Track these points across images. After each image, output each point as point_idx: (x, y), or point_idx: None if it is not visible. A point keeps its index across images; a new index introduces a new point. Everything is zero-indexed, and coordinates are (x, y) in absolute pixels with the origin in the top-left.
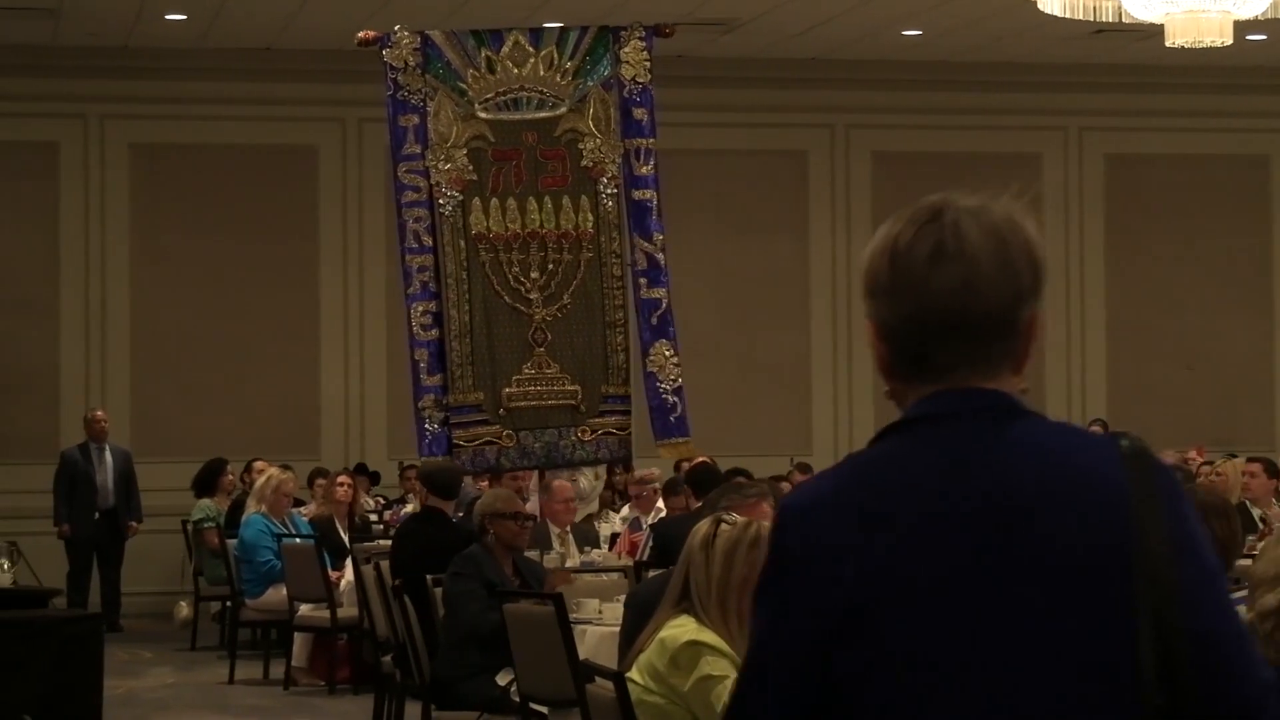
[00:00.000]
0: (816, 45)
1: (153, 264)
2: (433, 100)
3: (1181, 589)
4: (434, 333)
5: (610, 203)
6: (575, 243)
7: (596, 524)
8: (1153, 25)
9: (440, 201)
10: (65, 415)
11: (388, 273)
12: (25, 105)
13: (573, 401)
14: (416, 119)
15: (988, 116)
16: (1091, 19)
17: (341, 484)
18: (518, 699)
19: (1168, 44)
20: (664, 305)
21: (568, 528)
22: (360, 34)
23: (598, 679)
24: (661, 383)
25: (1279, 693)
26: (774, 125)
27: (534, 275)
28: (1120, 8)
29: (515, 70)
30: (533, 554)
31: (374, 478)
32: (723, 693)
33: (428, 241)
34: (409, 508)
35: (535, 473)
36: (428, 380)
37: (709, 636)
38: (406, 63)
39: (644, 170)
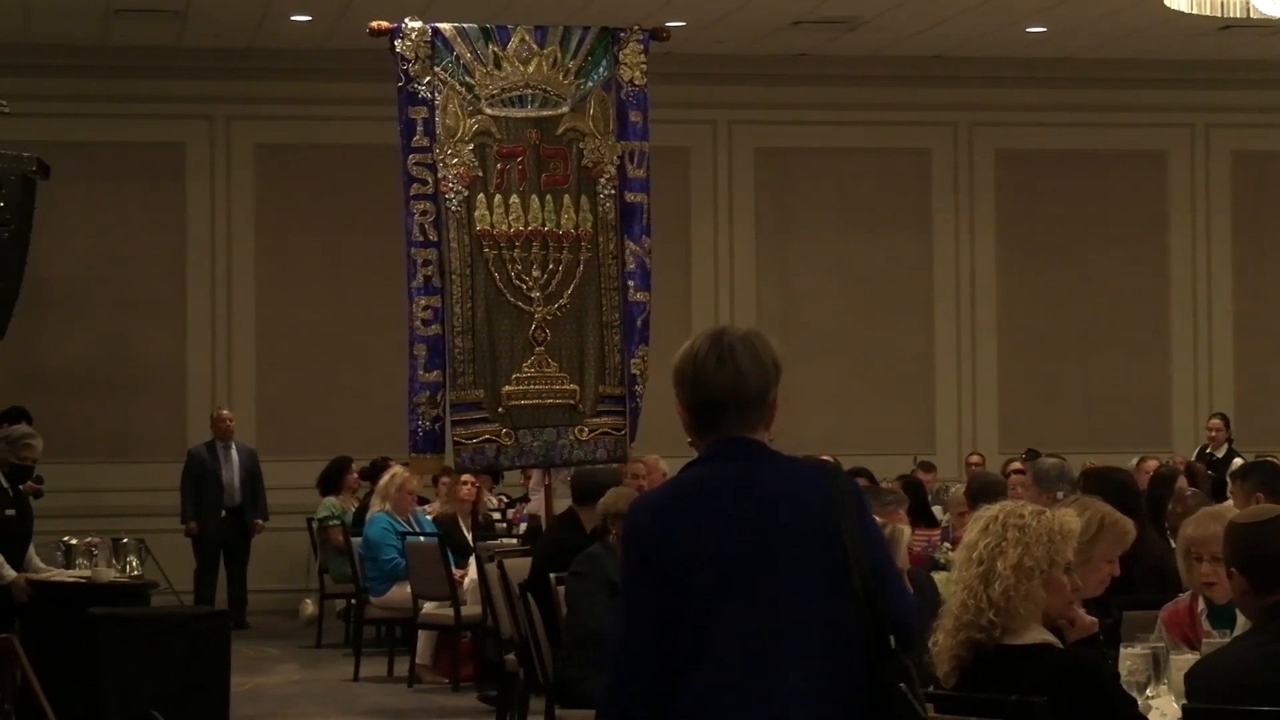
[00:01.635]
0: (939, 43)
1: (278, 263)
2: (440, 94)
3: (864, 546)
4: (434, 328)
5: (608, 203)
6: (575, 242)
7: None
8: None
9: (447, 196)
10: (192, 414)
11: None
12: (152, 106)
13: (571, 401)
14: (425, 111)
15: (1113, 114)
16: (1219, 14)
17: (465, 482)
18: None
19: None
20: (647, 310)
21: None
22: (373, 24)
23: None
24: (639, 386)
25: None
26: (897, 123)
27: (535, 274)
28: (1248, 3)
29: (520, 67)
30: None
31: (497, 476)
32: None
33: (433, 236)
34: (531, 506)
35: (538, 471)
36: (425, 376)
37: None
38: (416, 54)
39: (637, 173)
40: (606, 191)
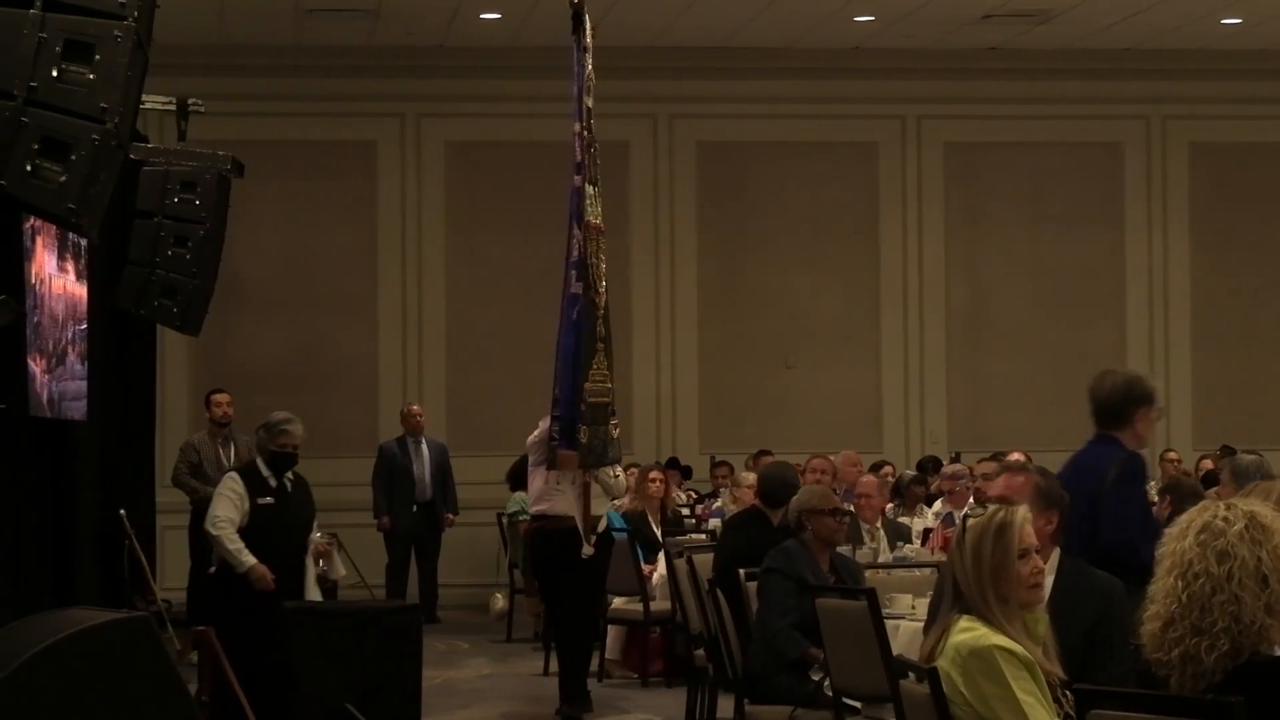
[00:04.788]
0: (1131, 35)
1: (468, 260)
2: (586, 74)
3: (1108, 494)
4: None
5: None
6: (601, 236)
7: (910, 519)
8: None
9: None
10: (383, 409)
11: (699, 268)
12: (345, 105)
13: (609, 399)
14: (577, 90)
15: None
16: None
17: (654, 479)
18: (830, 694)
19: None
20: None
21: (878, 523)
22: None
23: (911, 675)
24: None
25: None
26: (1088, 117)
27: (602, 268)
28: None
29: (586, 55)
30: (844, 550)
31: (686, 472)
32: (1031, 714)
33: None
34: (719, 502)
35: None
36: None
37: (1002, 639)
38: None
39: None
40: (599, 189)
